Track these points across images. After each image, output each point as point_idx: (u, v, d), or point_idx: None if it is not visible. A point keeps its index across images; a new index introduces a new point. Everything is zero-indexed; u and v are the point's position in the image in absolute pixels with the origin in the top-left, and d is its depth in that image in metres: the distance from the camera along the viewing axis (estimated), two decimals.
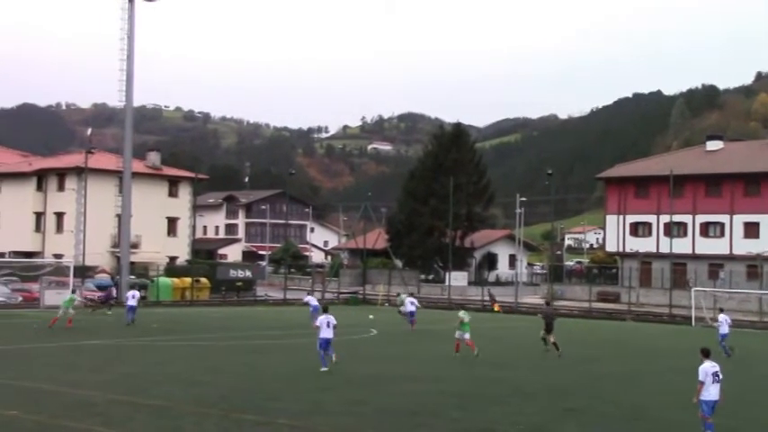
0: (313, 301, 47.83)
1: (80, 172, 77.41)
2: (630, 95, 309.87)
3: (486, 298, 71.67)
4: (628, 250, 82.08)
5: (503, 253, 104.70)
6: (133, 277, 65.57)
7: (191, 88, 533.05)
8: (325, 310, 28.88)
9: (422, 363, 31.13)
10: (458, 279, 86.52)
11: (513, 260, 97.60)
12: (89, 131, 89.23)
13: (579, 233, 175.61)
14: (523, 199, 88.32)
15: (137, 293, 45.66)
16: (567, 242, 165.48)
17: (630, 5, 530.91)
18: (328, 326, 27.28)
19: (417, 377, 26.90)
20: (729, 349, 34.73)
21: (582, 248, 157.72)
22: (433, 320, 51.53)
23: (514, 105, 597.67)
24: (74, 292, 47.18)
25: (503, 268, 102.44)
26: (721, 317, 37.22)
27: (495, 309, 67.71)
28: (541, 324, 35.60)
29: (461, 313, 33.39)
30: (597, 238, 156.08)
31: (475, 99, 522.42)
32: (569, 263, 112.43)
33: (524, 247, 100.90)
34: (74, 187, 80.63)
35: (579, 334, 48.37)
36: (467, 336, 32.61)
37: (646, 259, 79.28)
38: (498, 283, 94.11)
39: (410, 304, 47.11)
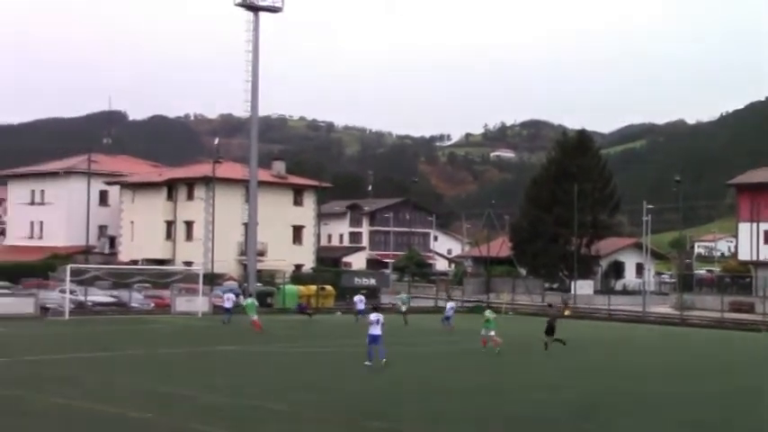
0: (360, 304, 53.08)
1: (208, 181, 79.29)
2: (763, 98, 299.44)
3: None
4: (762, 259, 79.20)
5: (630, 261, 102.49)
6: (260, 284, 66.80)
7: (314, 98, 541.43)
8: (375, 310, 31.61)
9: (540, 372, 30.76)
10: (584, 287, 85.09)
11: (640, 269, 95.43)
12: (216, 141, 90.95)
13: (709, 241, 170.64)
14: (650, 206, 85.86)
15: (232, 296, 47.41)
16: (696, 250, 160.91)
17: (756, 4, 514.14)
18: (377, 323, 29.57)
19: (537, 386, 26.55)
20: None
21: (713, 257, 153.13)
22: None
23: (640, 111, 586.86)
24: (250, 296, 48.55)
25: (630, 277, 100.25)
26: None
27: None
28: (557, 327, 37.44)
29: (487, 312, 37.85)
30: (729, 247, 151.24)
31: (599, 105, 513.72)
32: (699, 271, 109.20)
33: (652, 256, 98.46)
34: (202, 196, 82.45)
35: (711, 345, 47.08)
36: (492, 333, 35.93)
37: None
38: (625, 291, 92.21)
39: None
